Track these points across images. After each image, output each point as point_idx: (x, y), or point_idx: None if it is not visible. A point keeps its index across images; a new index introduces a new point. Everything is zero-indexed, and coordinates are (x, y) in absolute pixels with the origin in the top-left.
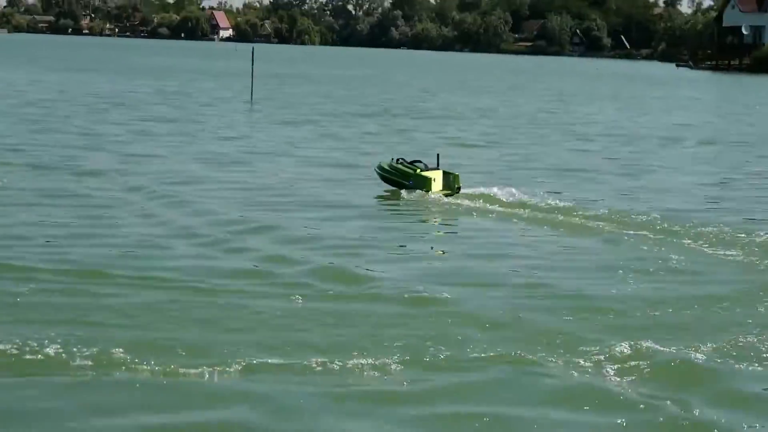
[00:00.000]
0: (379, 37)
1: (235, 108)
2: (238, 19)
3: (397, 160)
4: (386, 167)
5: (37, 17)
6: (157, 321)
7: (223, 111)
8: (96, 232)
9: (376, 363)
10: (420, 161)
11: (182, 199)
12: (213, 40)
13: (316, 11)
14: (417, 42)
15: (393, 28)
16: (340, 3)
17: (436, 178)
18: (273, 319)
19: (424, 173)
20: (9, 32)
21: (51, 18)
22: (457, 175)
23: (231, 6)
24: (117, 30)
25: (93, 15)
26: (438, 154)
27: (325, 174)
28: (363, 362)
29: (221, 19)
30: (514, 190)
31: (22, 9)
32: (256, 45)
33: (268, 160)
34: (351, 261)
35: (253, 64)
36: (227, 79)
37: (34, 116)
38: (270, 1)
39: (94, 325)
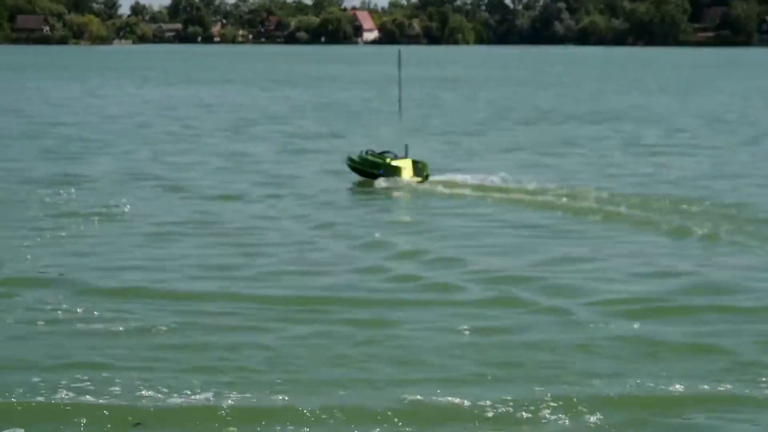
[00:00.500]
0: (540, 32)
1: (383, 119)
2: (384, 18)
3: (367, 151)
4: (356, 159)
5: (164, 25)
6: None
7: (371, 123)
8: (248, 263)
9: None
10: (389, 151)
11: (352, 222)
12: (356, 43)
13: (469, 7)
14: (584, 36)
15: (556, 22)
16: None
17: (406, 166)
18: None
19: (395, 162)
20: (134, 43)
21: (178, 26)
22: (426, 163)
23: (375, 5)
24: (251, 36)
25: (224, 21)
26: (406, 145)
27: (493, 194)
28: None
29: (365, 19)
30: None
31: (148, 17)
32: (403, 47)
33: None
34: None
35: (400, 69)
36: (373, 86)
37: (169, 136)
38: None
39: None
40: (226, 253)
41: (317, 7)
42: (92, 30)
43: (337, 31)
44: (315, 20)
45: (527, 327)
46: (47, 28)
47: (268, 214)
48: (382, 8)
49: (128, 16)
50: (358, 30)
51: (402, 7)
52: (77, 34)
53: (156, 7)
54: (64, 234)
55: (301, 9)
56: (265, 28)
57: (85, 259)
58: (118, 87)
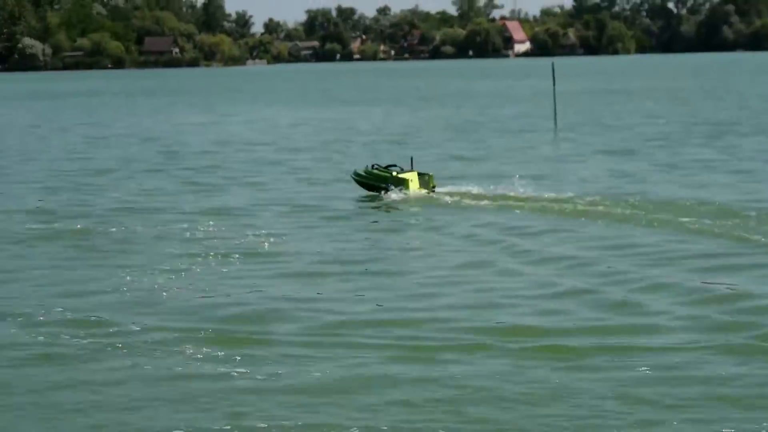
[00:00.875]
0: (707, 38)
1: (538, 138)
2: (536, 28)
3: (373, 165)
4: (362, 173)
5: (300, 43)
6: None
7: (524, 142)
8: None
9: None
10: (395, 165)
11: (522, 248)
12: (507, 55)
13: (628, 13)
14: (756, 40)
15: (725, 27)
16: (659, 1)
17: (413, 178)
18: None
19: (401, 175)
20: (268, 63)
21: (315, 43)
22: (432, 175)
23: (526, 14)
24: (393, 52)
25: (364, 36)
26: (412, 157)
27: (673, 218)
28: None
29: (515, 29)
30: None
31: (282, 35)
32: (558, 59)
33: (592, 201)
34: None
35: (554, 83)
36: (526, 102)
37: (312, 163)
38: (573, 5)
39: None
40: (382, 296)
41: (463, 18)
42: (224, 50)
43: (486, 44)
44: (461, 32)
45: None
46: (177, 49)
47: (428, 246)
48: (534, 17)
49: (261, 34)
50: (509, 41)
51: (555, 15)
52: (208, 56)
53: (291, 24)
54: (200, 272)
55: (446, 20)
56: (408, 43)
57: (223, 301)
58: (255, 111)
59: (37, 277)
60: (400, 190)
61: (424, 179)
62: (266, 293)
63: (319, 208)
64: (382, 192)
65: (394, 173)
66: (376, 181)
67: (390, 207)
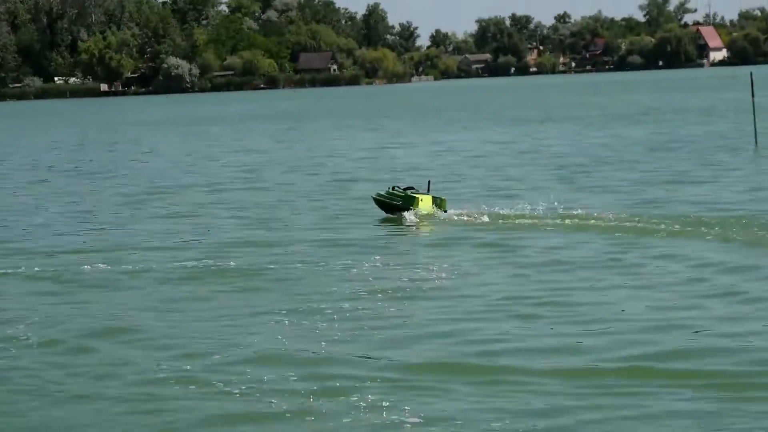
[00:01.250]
0: None
1: (737, 158)
2: (734, 34)
3: (393, 188)
4: (382, 193)
5: (470, 56)
6: None
7: (722, 163)
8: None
9: None
10: (412, 188)
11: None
12: (701, 65)
13: None
14: None
15: None
16: None
17: (424, 198)
18: None
19: (411, 194)
20: (435, 79)
21: (487, 56)
22: (444, 200)
23: (722, 18)
24: (573, 64)
25: (541, 47)
26: (429, 181)
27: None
28: None
29: (710, 36)
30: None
31: (451, 48)
32: (758, 68)
33: None
34: None
35: (753, 95)
36: (724, 118)
37: (485, 191)
38: None
39: None
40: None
41: (652, 25)
42: (387, 66)
43: (677, 53)
44: (650, 41)
45: None
46: (335, 66)
47: (622, 285)
48: (731, 21)
49: (428, 47)
50: (703, 49)
51: (756, 18)
52: (370, 72)
53: (460, 36)
54: (365, 313)
55: (633, 28)
56: (590, 53)
57: (390, 346)
58: (425, 133)
59: (186, 321)
60: (412, 210)
61: (437, 202)
62: (441, 336)
63: (495, 242)
64: (403, 213)
65: (408, 193)
66: (389, 200)
67: (586, 233)
